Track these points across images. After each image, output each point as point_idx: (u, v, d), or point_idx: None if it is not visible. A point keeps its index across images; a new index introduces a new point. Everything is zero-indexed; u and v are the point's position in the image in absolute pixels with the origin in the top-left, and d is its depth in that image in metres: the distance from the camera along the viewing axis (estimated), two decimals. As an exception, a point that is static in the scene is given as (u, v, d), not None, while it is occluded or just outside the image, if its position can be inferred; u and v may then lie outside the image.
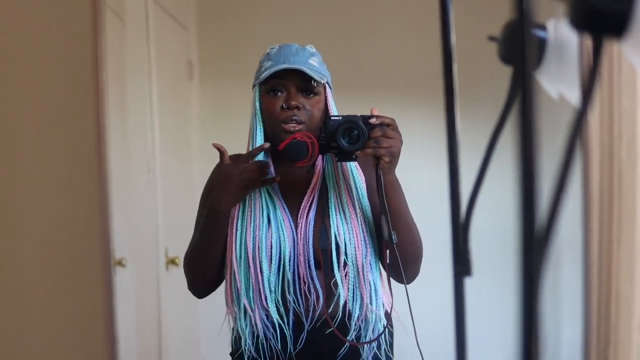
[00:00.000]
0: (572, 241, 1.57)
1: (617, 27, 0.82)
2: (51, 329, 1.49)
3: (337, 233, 1.97)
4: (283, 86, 1.99)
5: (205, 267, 2.06)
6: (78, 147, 1.48)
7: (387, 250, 1.91)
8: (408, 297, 1.88)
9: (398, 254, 1.87)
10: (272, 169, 2.02)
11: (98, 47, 1.42)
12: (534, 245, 0.76)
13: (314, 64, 2.02)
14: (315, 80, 1.99)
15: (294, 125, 1.97)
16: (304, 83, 2.00)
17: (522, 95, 0.77)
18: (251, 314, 2.01)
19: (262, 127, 2.04)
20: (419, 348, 1.90)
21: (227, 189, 1.97)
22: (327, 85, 2.06)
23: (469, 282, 1.12)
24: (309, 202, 2.02)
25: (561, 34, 1.10)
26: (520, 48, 0.78)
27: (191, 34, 4.27)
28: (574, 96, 1.08)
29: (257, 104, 2.04)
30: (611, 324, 1.51)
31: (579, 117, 0.80)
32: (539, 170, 0.76)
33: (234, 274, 2.01)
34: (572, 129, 0.80)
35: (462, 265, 1.10)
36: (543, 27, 1.13)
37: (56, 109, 1.48)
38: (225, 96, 4.17)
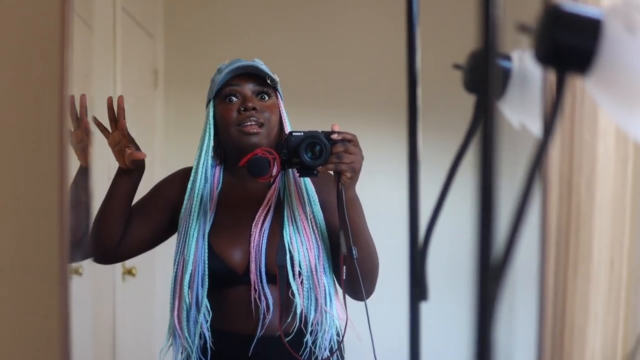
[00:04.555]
0: (528, 271, 1.59)
1: (581, 63, 0.83)
2: (4, 334, 1.48)
3: (289, 243, 1.98)
4: (237, 92, 2.03)
5: (99, 219, 2.09)
6: (40, 153, 1.47)
7: (344, 266, 1.92)
8: (367, 314, 1.89)
9: (358, 270, 1.88)
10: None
11: (65, 54, 1.41)
12: (490, 274, 0.77)
13: (259, 64, 2.06)
14: (270, 78, 2.04)
15: (252, 126, 1.99)
16: (258, 87, 2.04)
17: (484, 124, 0.78)
18: (179, 332, 2.04)
19: (211, 140, 2.07)
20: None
21: None
22: (279, 95, 2.10)
23: (425, 306, 1.13)
24: (264, 213, 2.04)
25: (525, 64, 1.12)
26: (484, 77, 0.79)
27: (158, 43, 4.26)
28: (535, 126, 1.09)
29: (211, 117, 2.07)
30: (564, 354, 1.52)
31: (540, 148, 0.81)
32: (497, 199, 0.77)
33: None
34: (533, 160, 0.81)
35: (418, 289, 1.10)
36: (508, 57, 1.14)
37: (20, 116, 1.47)
38: (189, 105, 4.16)
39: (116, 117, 2.04)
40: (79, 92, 2.12)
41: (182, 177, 2.17)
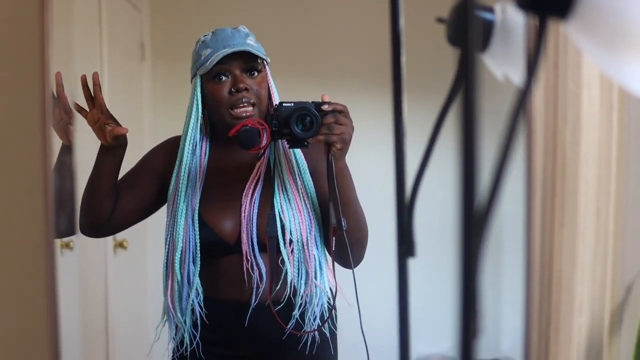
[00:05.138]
0: (515, 223, 1.59)
1: (561, 7, 0.82)
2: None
3: (280, 211, 1.98)
4: (227, 70, 1.99)
5: (87, 193, 2.09)
6: (21, 126, 1.45)
7: (333, 237, 1.92)
8: (355, 284, 1.90)
9: (347, 240, 1.88)
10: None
11: (45, 24, 1.39)
12: (473, 226, 0.76)
13: (252, 44, 2.02)
14: (260, 58, 2.00)
15: (245, 108, 1.97)
16: (248, 64, 2.00)
17: (464, 77, 0.77)
18: (170, 307, 2.05)
19: (199, 117, 2.05)
20: (363, 335, 1.93)
21: None
22: (266, 65, 2.07)
23: (413, 263, 1.13)
24: (254, 183, 2.02)
25: (508, 16, 1.11)
26: (464, 29, 0.78)
27: (144, 16, 4.23)
28: (519, 78, 1.08)
29: (199, 93, 2.03)
30: (552, 306, 1.52)
31: (522, 96, 0.81)
32: (479, 151, 0.76)
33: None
34: (514, 108, 0.80)
35: (406, 246, 1.10)
36: (491, 10, 1.13)
37: (1, 90, 1.46)
38: (176, 79, 4.11)
39: (92, 95, 2.01)
40: (61, 66, 2.11)
41: (169, 147, 2.15)
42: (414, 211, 1.11)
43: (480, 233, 0.78)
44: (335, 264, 2.00)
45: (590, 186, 1.55)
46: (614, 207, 1.62)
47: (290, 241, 1.97)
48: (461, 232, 0.77)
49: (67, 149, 1.94)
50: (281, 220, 1.97)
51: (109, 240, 3.41)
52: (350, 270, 1.95)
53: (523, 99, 0.81)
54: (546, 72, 1.47)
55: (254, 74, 2.01)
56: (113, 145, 2.02)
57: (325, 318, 2.04)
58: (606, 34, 0.83)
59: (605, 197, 1.59)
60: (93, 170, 2.07)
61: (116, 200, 2.09)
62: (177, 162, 2.05)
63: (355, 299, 1.91)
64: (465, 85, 0.77)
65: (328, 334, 2.08)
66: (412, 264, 1.13)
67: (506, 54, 1.11)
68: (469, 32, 0.78)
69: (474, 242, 0.76)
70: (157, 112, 4.18)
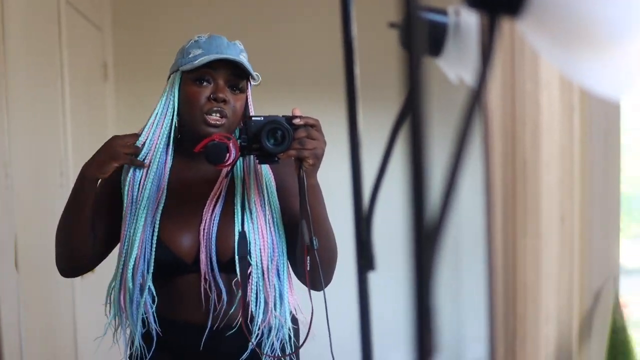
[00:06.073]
0: (475, 233, 1.55)
1: (511, 4, 0.79)
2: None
3: (240, 231, 1.92)
4: (212, 77, 1.95)
5: (70, 236, 2.00)
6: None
7: (308, 257, 1.86)
8: (326, 304, 1.84)
9: (318, 260, 1.83)
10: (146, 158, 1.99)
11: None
12: (424, 238, 0.72)
13: (245, 61, 1.98)
14: (249, 75, 1.98)
15: (217, 118, 1.93)
16: (234, 78, 1.97)
17: (409, 82, 0.73)
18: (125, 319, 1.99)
19: (173, 114, 1.99)
20: (333, 356, 1.87)
21: (97, 156, 1.96)
22: (249, 85, 2.04)
23: (375, 278, 1.09)
24: (214, 199, 1.97)
25: (462, 18, 1.08)
26: (407, 31, 0.74)
27: (106, 35, 4.21)
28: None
29: (177, 90, 1.98)
30: (518, 317, 1.49)
31: (474, 96, 0.77)
32: (426, 158, 0.72)
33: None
34: (466, 109, 0.76)
35: (365, 259, 1.06)
36: (444, 12, 1.10)
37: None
38: (141, 97, 4.13)
39: None
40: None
41: None
42: (372, 223, 1.07)
43: (433, 246, 0.74)
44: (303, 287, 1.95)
45: (553, 192, 1.51)
46: (579, 213, 1.59)
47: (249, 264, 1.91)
48: (412, 245, 0.73)
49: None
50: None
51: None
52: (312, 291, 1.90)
53: (475, 99, 0.77)
54: (502, 73, 1.44)
55: (236, 91, 1.97)
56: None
57: (286, 347, 2.00)
58: (559, 31, 0.79)
59: (569, 203, 1.56)
60: (76, 200, 1.98)
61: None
62: (143, 152, 2.00)
63: (327, 322, 1.86)
64: (409, 90, 0.73)
65: None
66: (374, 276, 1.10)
67: (460, 56, 1.08)
68: (412, 32, 0.74)
69: (426, 255, 0.72)
70: (122, 131, 4.12)
